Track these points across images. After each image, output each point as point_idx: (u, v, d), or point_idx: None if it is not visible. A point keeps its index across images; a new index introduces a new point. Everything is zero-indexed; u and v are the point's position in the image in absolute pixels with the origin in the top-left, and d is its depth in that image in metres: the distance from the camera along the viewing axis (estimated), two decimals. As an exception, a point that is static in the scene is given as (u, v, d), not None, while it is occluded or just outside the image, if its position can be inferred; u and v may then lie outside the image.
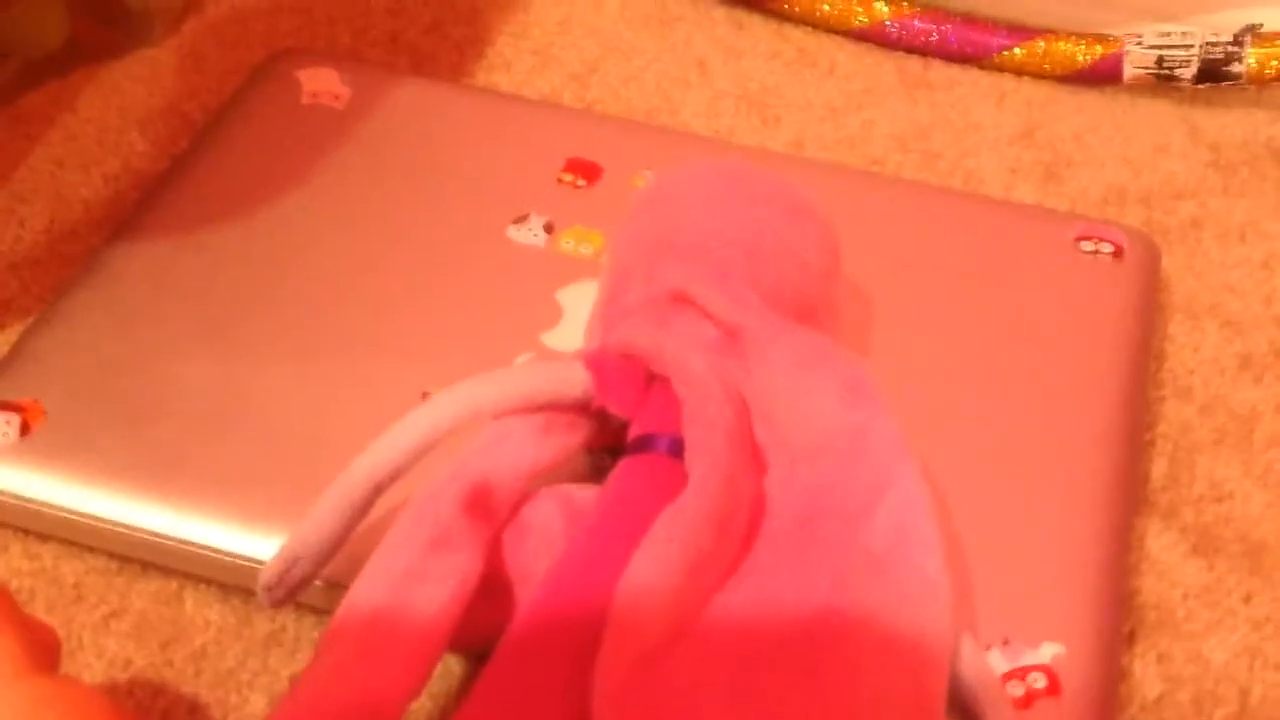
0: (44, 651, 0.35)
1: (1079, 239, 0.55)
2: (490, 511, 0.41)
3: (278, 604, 0.41)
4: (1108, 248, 0.55)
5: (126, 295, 0.52)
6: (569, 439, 0.43)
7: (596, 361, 0.43)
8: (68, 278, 0.54)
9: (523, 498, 0.42)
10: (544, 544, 0.41)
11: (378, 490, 0.40)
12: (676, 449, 0.40)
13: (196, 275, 0.52)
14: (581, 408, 0.43)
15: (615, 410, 0.43)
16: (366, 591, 0.38)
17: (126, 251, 0.53)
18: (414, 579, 0.38)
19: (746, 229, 0.45)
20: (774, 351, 0.42)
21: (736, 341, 0.43)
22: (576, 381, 0.43)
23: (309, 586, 0.41)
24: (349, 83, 0.61)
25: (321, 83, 0.61)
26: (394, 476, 0.40)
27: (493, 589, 0.40)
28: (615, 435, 0.44)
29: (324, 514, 0.40)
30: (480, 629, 0.39)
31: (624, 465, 0.42)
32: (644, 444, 0.42)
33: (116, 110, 0.63)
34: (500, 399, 0.42)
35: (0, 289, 0.55)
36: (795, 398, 0.41)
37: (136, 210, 0.55)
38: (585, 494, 0.42)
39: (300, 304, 0.52)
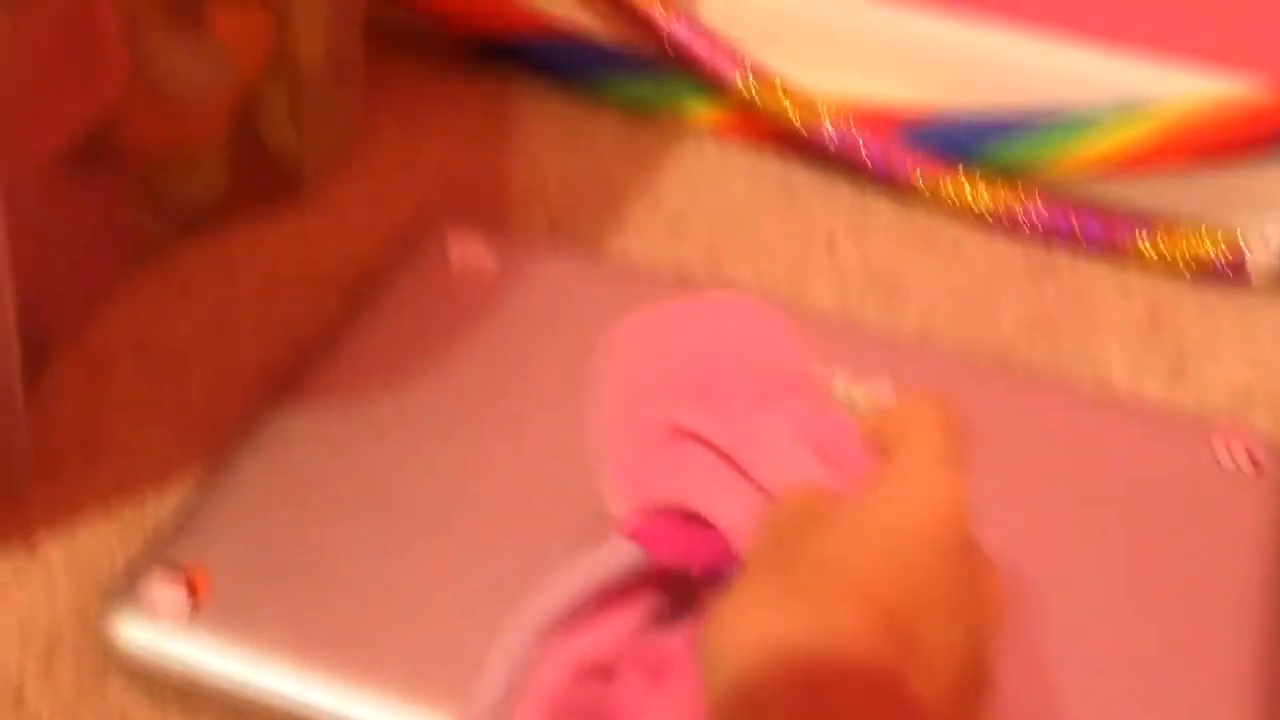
0: None
1: (1217, 450, 0.56)
2: (600, 679, 0.41)
3: None
4: (1246, 460, 0.56)
5: (289, 463, 0.53)
6: (641, 601, 0.43)
7: (637, 530, 0.43)
8: (227, 439, 0.56)
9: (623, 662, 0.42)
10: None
11: None
12: None
13: (358, 445, 0.54)
14: (641, 575, 0.43)
15: (674, 565, 0.43)
16: None
17: (287, 418, 0.55)
18: None
19: (707, 345, 0.46)
20: (767, 449, 0.43)
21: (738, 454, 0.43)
22: (625, 554, 0.43)
23: None
24: (497, 254, 0.63)
25: (471, 253, 0.63)
26: None
27: None
28: (680, 586, 0.44)
29: None
30: None
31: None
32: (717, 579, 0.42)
33: (269, 270, 0.65)
34: (562, 609, 0.42)
35: (159, 447, 0.57)
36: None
37: (295, 377, 0.57)
38: (672, 640, 0.43)
39: (459, 476, 0.53)
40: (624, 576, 0.43)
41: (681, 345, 0.47)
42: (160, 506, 0.54)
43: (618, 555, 0.43)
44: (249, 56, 0.63)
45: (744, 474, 0.42)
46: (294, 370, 0.58)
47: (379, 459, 0.54)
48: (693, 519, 0.43)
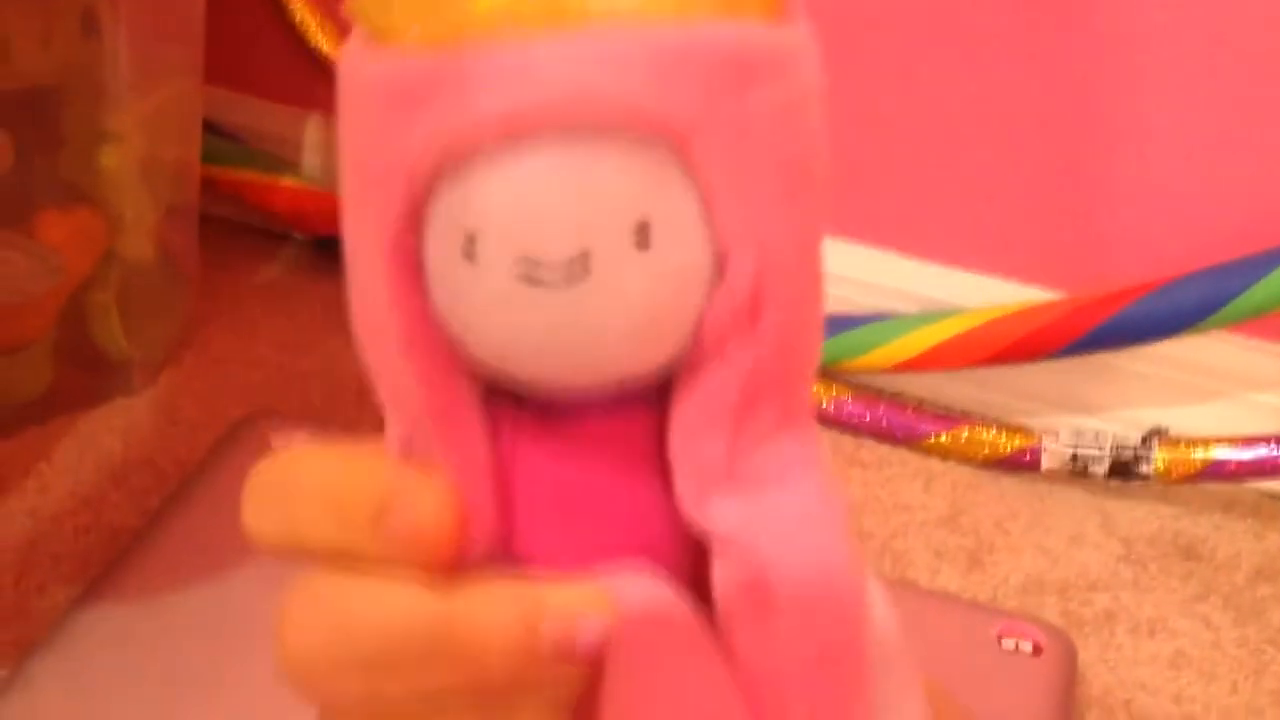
0: None
1: (1001, 635, 0.59)
2: None
3: None
4: (1027, 645, 0.59)
5: (90, 663, 0.53)
6: None
7: None
8: (33, 637, 0.56)
9: None
10: None
11: None
12: None
13: (163, 645, 0.54)
14: None
15: None
16: None
17: (92, 616, 0.55)
18: None
19: None
20: None
21: None
22: None
23: None
24: (318, 448, 0.64)
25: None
26: None
27: None
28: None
29: None
30: None
31: None
32: None
33: (91, 461, 0.66)
34: None
35: (-35, 643, 0.57)
36: None
37: (106, 572, 0.58)
38: None
39: (266, 679, 0.54)
40: None
41: None
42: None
43: None
44: (79, 259, 0.65)
45: None
46: (106, 566, 0.59)
47: (181, 658, 0.54)
48: None
